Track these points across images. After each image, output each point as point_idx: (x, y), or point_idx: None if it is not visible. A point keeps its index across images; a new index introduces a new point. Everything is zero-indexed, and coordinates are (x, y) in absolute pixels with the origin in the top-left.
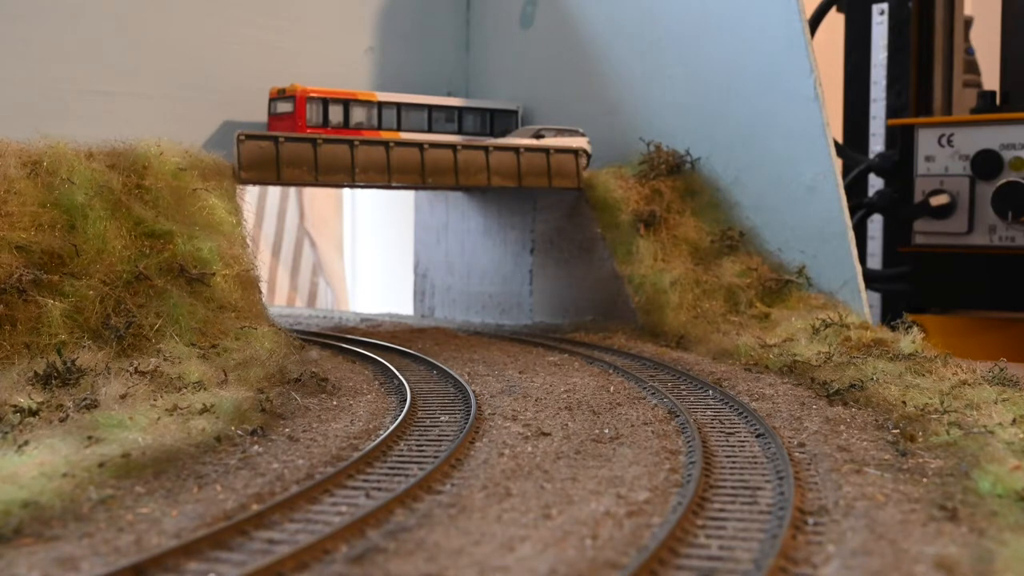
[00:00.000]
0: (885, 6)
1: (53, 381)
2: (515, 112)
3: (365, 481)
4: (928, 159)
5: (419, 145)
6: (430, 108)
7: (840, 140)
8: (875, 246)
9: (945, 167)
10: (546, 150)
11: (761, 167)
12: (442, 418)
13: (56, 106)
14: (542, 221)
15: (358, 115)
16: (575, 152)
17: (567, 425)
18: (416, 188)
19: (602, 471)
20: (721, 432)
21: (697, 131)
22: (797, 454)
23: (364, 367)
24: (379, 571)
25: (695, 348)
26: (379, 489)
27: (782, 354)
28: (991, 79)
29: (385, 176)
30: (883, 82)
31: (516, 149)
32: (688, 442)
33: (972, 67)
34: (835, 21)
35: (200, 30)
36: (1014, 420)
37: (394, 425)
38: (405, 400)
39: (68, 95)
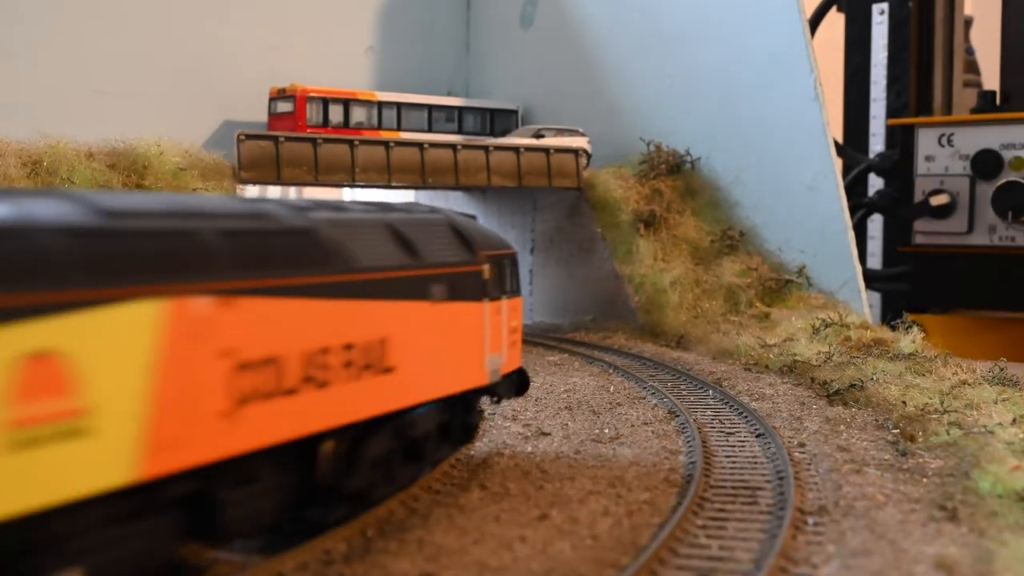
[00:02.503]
0: (885, 6)
1: None
2: (515, 112)
3: None
4: (928, 159)
5: (419, 145)
6: (430, 108)
7: (840, 140)
8: (875, 246)
9: (945, 167)
10: (546, 150)
11: (761, 167)
12: None
13: (56, 106)
14: (542, 221)
15: (358, 115)
16: (575, 152)
17: (567, 425)
18: (416, 188)
19: (602, 471)
20: (721, 432)
21: (697, 131)
22: (797, 454)
23: None
24: (379, 570)
25: (695, 348)
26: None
27: (782, 354)
28: (991, 79)
29: (385, 176)
30: (883, 82)
31: (516, 149)
32: (688, 442)
33: (972, 67)
34: (835, 21)
35: (200, 30)
36: (1014, 420)
37: None
38: None
39: (68, 95)
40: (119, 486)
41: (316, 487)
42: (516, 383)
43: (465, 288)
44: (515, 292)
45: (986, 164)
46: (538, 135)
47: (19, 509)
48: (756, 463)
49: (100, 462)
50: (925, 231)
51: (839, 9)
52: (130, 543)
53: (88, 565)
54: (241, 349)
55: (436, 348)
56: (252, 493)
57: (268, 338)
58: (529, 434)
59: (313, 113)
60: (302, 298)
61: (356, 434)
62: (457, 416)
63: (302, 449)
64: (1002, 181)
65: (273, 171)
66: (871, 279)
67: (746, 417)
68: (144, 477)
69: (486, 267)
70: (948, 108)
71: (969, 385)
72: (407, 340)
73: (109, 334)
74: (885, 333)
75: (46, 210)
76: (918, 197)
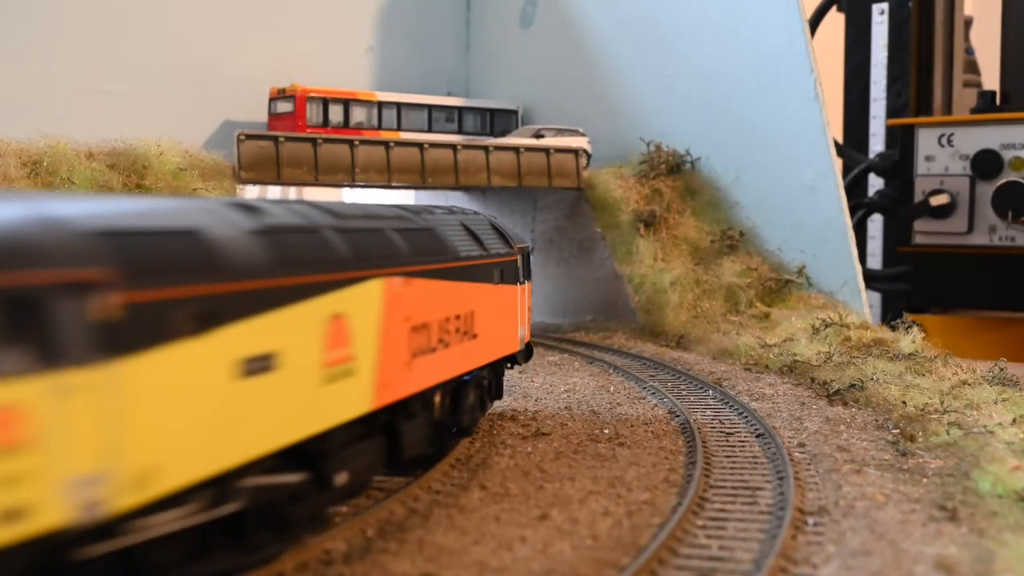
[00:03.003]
0: (885, 6)
1: None
2: (515, 112)
3: None
4: (928, 159)
5: (419, 145)
6: (430, 108)
7: (840, 140)
8: (875, 246)
9: (945, 167)
10: (546, 150)
11: (761, 167)
12: None
13: (56, 106)
14: (542, 221)
15: (358, 115)
16: (575, 152)
17: (567, 425)
18: (416, 188)
19: (601, 471)
20: (721, 432)
21: (697, 131)
22: (797, 454)
23: None
24: (379, 570)
25: (695, 348)
26: (380, 489)
27: (782, 354)
28: (991, 79)
29: (385, 176)
30: (883, 82)
31: (516, 149)
32: (688, 442)
33: (972, 67)
34: (835, 21)
35: (200, 30)
36: (1014, 420)
37: None
38: None
39: (68, 95)
40: (363, 414)
41: (434, 424)
42: (526, 352)
43: (508, 273)
44: (529, 277)
45: (986, 164)
46: (538, 135)
47: (324, 426)
48: (756, 463)
49: (356, 395)
50: (925, 231)
51: (839, 9)
52: (364, 456)
53: (350, 470)
54: (413, 316)
55: (495, 320)
56: (415, 426)
57: (424, 309)
58: (528, 434)
59: (313, 113)
60: (437, 279)
61: (455, 385)
62: (496, 375)
63: (429, 395)
64: (1002, 181)
65: (273, 171)
66: (871, 279)
67: (746, 417)
68: (373, 408)
69: (518, 257)
70: (948, 108)
71: (969, 385)
72: (482, 313)
73: (361, 303)
74: (885, 333)
75: (316, 214)
76: (918, 197)
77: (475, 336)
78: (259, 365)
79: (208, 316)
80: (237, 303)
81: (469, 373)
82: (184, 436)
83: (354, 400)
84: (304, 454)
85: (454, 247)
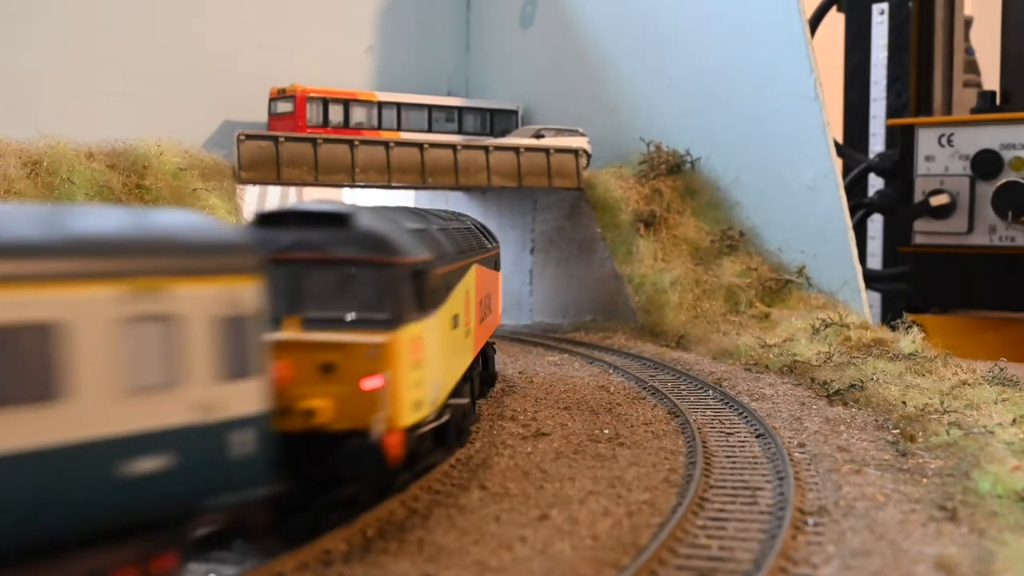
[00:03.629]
0: (885, 6)
1: None
2: (515, 112)
3: None
4: (928, 159)
5: (419, 145)
6: (430, 108)
7: (840, 140)
8: (875, 246)
9: (945, 167)
10: (546, 150)
11: (761, 167)
12: None
13: (56, 106)
14: (542, 221)
15: (358, 115)
16: (575, 152)
17: (566, 425)
18: (416, 188)
19: (601, 471)
20: (721, 432)
21: (697, 131)
22: (797, 454)
23: None
24: (379, 570)
25: (695, 348)
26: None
27: (782, 354)
28: (991, 79)
29: (385, 176)
30: (883, 82)
31: (516, 149)
32: (688, 442)
33: (972, 67)
34: (835, 21)
35: (200, 30)
36: (1014, 420)
37: None
38: None
39: (68, 95)
40: (470, 363)
41: (479, 376)
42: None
43: (498, 263)
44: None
45: (986, 164)
46: (538, 135)
47: (465, 368)
48: (756, 463)
49: (469, 349)
50: (925, 231)
51: (839, 9)
52: (466, 396)
53: (463, 403)
54: (478, 293)
55: (496, 300)
56: (476, 376)
57: (479, 288)
58: (528, 434)
59: (313, 113)
60: (483, 266)
61: (485, 348)
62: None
63: (480, 355)
64: (1002, 181)
65: (273, 171)
66: (871, 279)
67: (746, 417)
68: (471, 361)
69: (499, 251)
70: (948, 108)
71: (969, 385)
72: (492, 294)
73: (470, 282)
74: (885, 333)
75: (437, 218)
76: (918, 197)
77: (491, 311)
78: (456, 321)
79: (448, 286)
80: (453, 278)
81: (489, 340)
82: (444, 365)
83: (469, 352)
84: (455, 389)
85: (479, 241)
